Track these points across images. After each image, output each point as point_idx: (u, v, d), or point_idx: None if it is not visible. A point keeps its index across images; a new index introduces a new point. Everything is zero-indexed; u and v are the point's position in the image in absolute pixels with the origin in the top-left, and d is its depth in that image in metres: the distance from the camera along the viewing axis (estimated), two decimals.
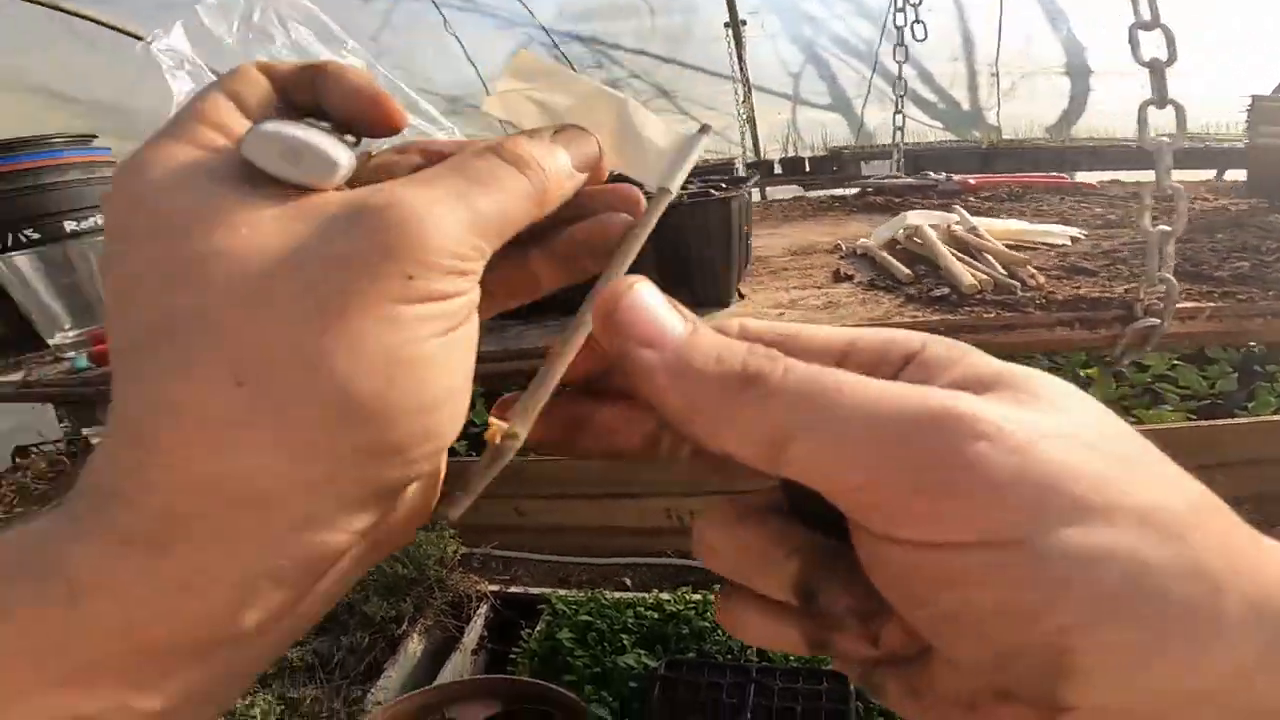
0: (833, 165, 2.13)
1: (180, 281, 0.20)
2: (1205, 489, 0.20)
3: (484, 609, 1.62)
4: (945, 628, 0.19)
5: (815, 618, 0.22)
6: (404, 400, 0.20)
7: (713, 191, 0.70)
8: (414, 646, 1.50)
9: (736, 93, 2.19)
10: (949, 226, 0.87)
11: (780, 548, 0.23)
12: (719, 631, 1.37)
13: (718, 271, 0.70)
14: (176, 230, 0.20)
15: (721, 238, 0.67)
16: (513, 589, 1.69)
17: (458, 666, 1.43)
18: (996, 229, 0.88)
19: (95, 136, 1.12)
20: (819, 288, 0.77)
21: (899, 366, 0.23)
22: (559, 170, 0.25)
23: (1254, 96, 0.96)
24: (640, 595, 1.52)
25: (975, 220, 0.91)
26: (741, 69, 2.13)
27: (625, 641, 1.33)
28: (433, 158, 0.26)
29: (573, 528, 2.27)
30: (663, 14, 3.04)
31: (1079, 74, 2.80)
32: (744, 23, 2.15)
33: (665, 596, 1.50)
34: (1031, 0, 2.63)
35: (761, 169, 2.22)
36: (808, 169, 2.14)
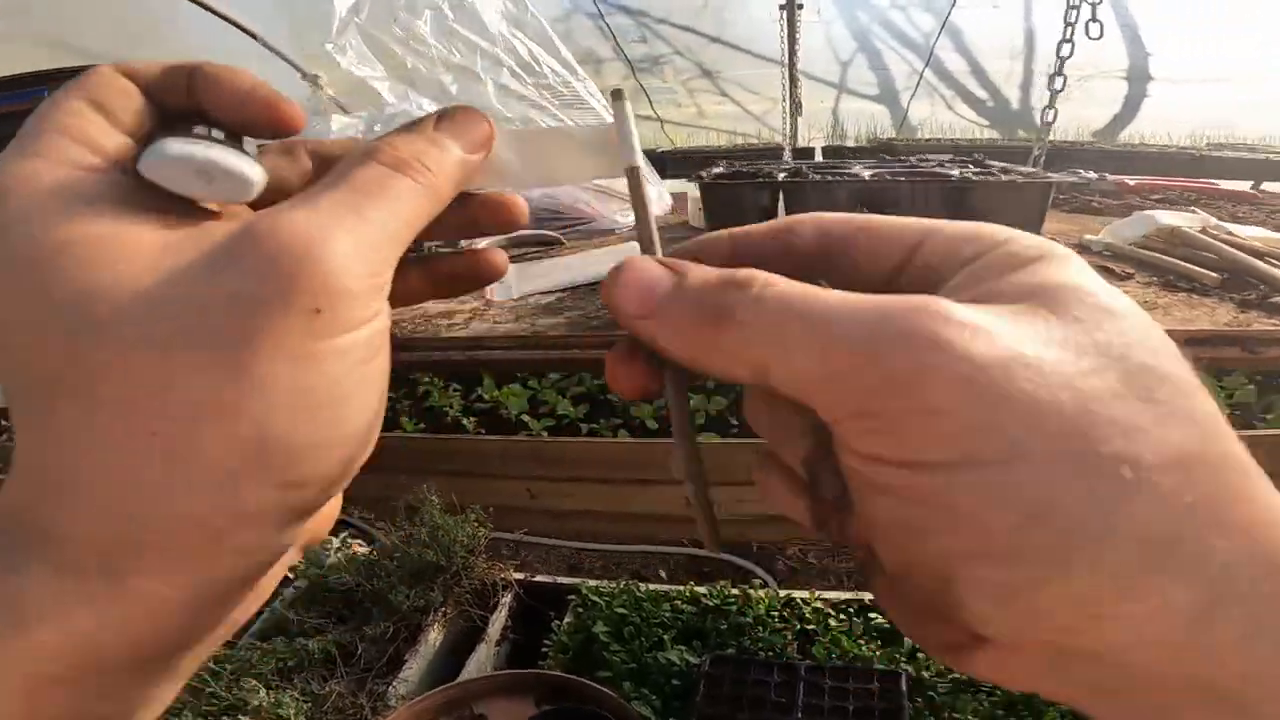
0: (883, 156, 2.06)
1: (63, 326, 0.18)
2: (1225, 439, 0.19)
3: (508, 598, 1.54)
4: (871, 529, 0.21)
5: (818, 498, 0.24)
6: (322, 437, 0.21)
7: (996, 172, 0.62)
8: (434, 637, 1.42)
9: (783, 77, 2.13)
10: (1204, 229, 0.81)
11: (799, 426, 0.23)
12: (760, 627, 1.29)
13: None
14: (51, 267, 0.19)
15: (1034, 226, 0.60)
16: (538, 578, 1.61)
17: (482, 660, 1.36)
18: (1245, 234, 0.82)
19: None
20: None
21: (966, 262, 0.22)
22: (448, 164, 0.25)
23: None
24: (676, 587, 1.44)
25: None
26: (792, 53, 2.06)
27: (664, 637, 1.25)
28: (320, 162, 0.26)
29: (585, 512, 2.21)
30: None
31: (1138, 79, 2.72)
32: (800, 6, 2.08)
33: (701, 590, 1.42)
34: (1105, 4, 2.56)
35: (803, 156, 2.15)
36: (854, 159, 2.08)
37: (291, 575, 1.60)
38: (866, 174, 0.61)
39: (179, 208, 0.21)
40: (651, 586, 1.44)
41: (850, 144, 2.33)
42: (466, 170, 0.26)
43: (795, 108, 2.01)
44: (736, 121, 3.11)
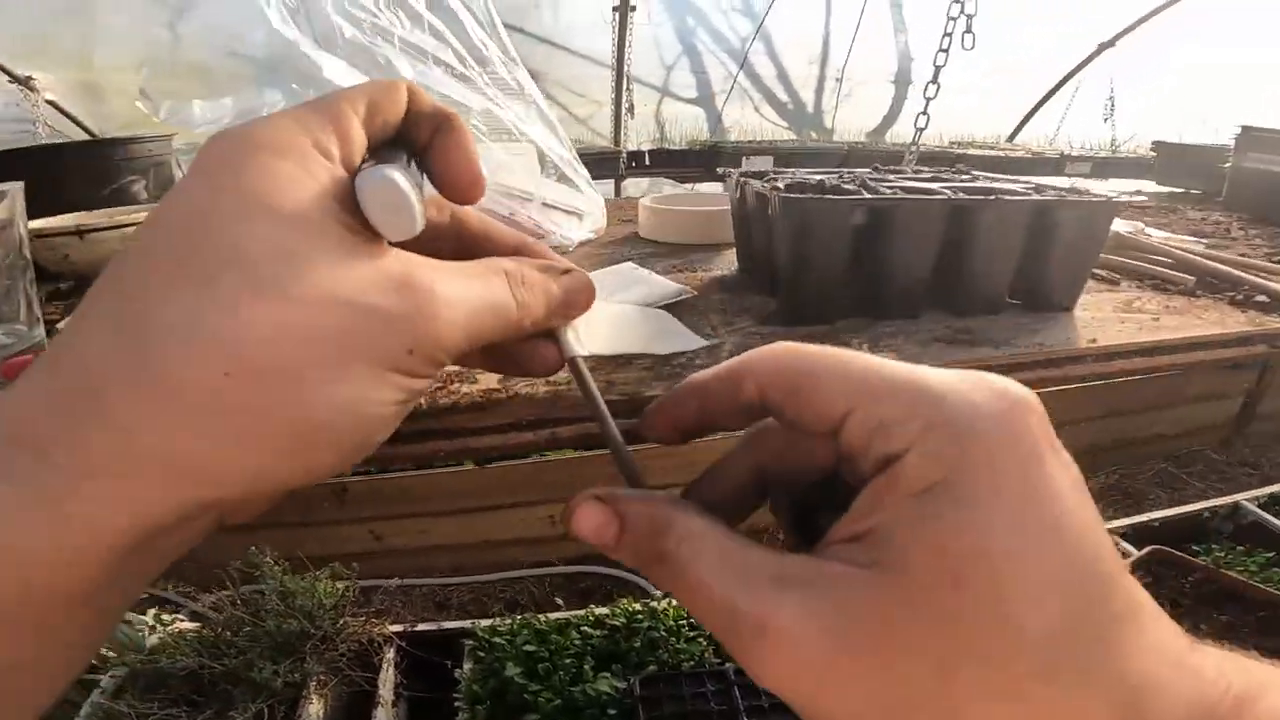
0: (711, 159, 2.13)
1: (231, 264, 0.20)
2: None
3: (391, 653, 1.40)
4: None
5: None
6: (351, 444, 0.23)
7: (1065, 192, 0.60)
8: (315, 709, 1.26)
9: (614, 80, 2.12)
10: (1139, 233, 0.82)
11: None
12: (674, 638, 1.29)
13: (1082, 278, 0.62)
14: (250, 214, 0.21)
15: (1098, 245, 0.59)
16: (421, 627, 1.48)
17: None
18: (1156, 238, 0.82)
19: None
20: (1099, 293, 0.65)
21: (877, 466, 0.22)
22: (545, 314, 0.28)
23: (1244, 126, 1.10)
24: (577, 613, 1.39)
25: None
26: (622, 57, 2.06)
27: (584, 667, 1.21)
28: (455, 221, 0.29)
29: (442, 547, 2.09)
30: None
31: (902, 83, 3.07)
32: (633, 8, 2.07)
33: (603, 611, 1.39)
34: (885, 12, 2.84)
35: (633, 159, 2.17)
36: (683, 161, 2.13)
37: (100, 664, 1.34)
38: (945, 190, 0.56)
39: (357, 219, 0.23)
40: (552, 616, 1.38)
41: (672, 147, 2.41)
42: (555, 320, 0.29)
43: (629, 110, 2.02)
44: (562, 126, 3.05)
